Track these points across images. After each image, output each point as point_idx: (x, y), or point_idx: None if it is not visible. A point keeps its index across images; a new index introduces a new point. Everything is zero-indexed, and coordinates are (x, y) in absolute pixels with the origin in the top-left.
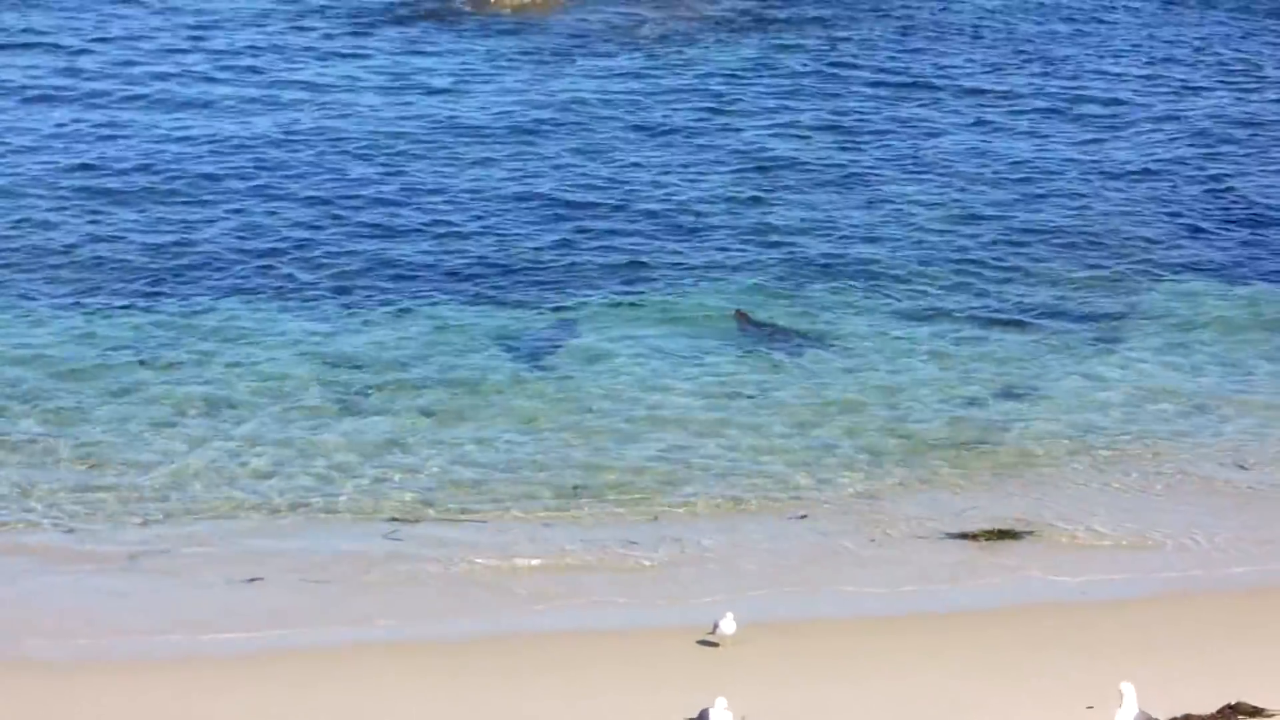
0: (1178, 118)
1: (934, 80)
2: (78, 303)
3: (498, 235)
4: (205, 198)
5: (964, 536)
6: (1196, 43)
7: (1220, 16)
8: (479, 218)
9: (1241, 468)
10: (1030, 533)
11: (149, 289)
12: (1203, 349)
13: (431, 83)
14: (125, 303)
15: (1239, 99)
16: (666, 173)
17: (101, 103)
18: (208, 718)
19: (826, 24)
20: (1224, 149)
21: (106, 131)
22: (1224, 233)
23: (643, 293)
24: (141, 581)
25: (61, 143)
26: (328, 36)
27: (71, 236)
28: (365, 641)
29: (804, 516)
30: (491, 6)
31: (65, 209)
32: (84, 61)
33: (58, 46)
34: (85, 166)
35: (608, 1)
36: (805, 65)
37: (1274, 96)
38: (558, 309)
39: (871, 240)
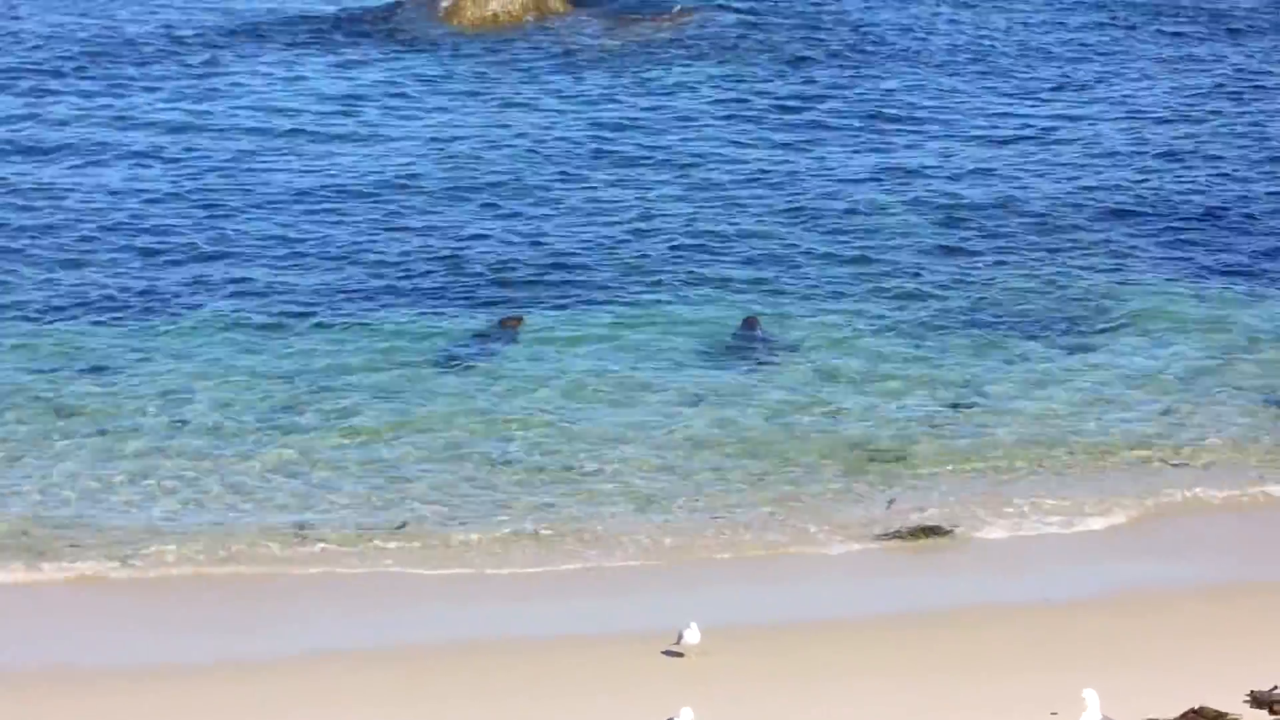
0: (1146, 124)
1: (905, 95)
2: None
3: (451, 250)
4: (145, 215)
5: (896, 535)
6: (1162, 55)
7: (1188, 29)
8: (431, 233)
9: (1184, 465)
10: (958, 530)
11: (88, 308)
12: (1160, 350)
13: (388, 97)
14: (64, 320)
15: (1207, 107)
16: (622, 187)
17: (41, 117)
18: None
19: (786, 44)
20: (1190, 153)
21: (37, 149)
22: (1189, 236)
23: (596, 306)
24: (94, 598)
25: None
26: (274, 50)
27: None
28: (330, 651)
29: (771, 513)
30: (452, 23)
31: None
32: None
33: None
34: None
35: (570, 20)
36: (766, 84)
37: (1243, 103)
38: (497, 324)
39: (842, 250)
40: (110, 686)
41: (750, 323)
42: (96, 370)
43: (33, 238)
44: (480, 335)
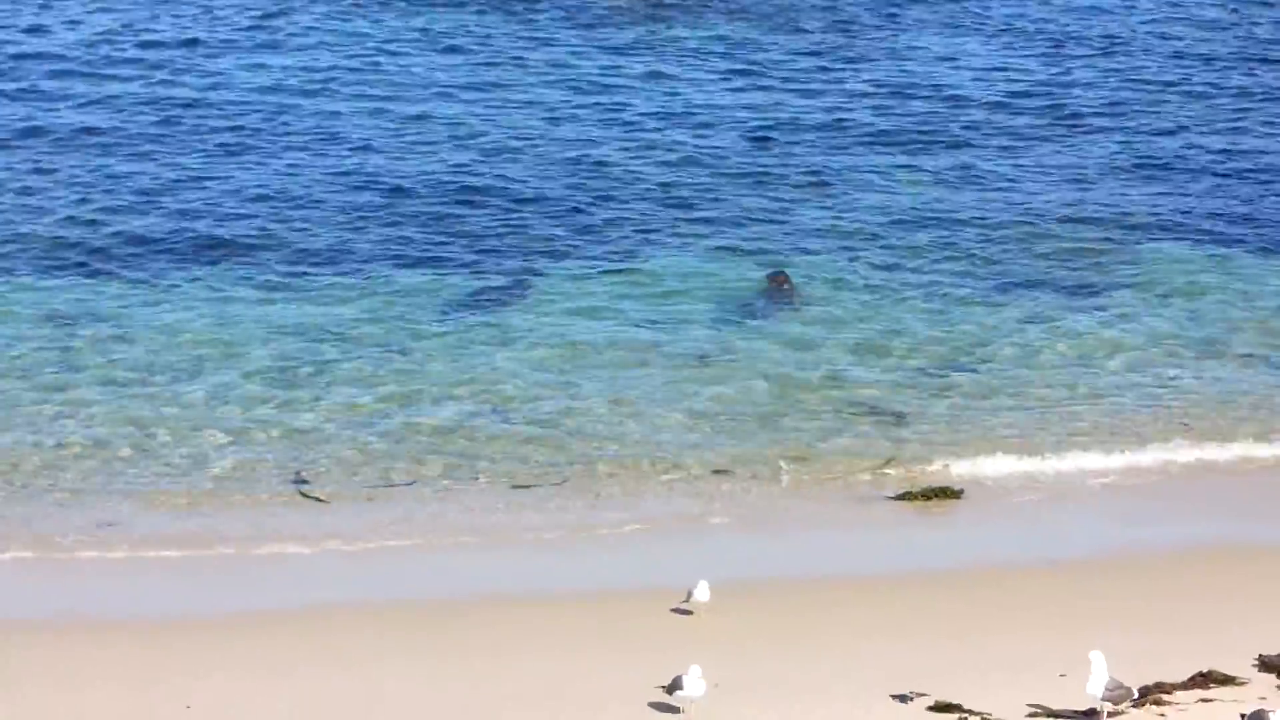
0: (1159, 88)
1: (920, 59)
2: (26, 276)
3: (461, 208)
4: (157, 170)
5: (906, 495)
6: (1173, 18)
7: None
8: (440, 191)
9: (1192, 428)
10: (967, 490)
11: (101, 263)
12: (1170, 313)
13: (390, 51)
14: (77, 275)
15: (1212, 73)
16: (636, 146)
17: (50, 73)
18: (177, 682)
19: (804, 5)
20: (1194, 121)
21: (49, 105)
22: (1200, 200)
23: (609, 264)
24: (100, 553)
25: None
26: (279, 5)
27: (13, 211)
28: (341, 606)
29: (782, 476)
30: None
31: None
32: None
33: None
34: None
35: None
36: (783, 46)
37: (1245, 70)
38: (517, 280)
39: (857, 210)
40: (126, 638)
41: (777, 279)
42: (103, 325)
43: (43, 194)
44: (491, 293)
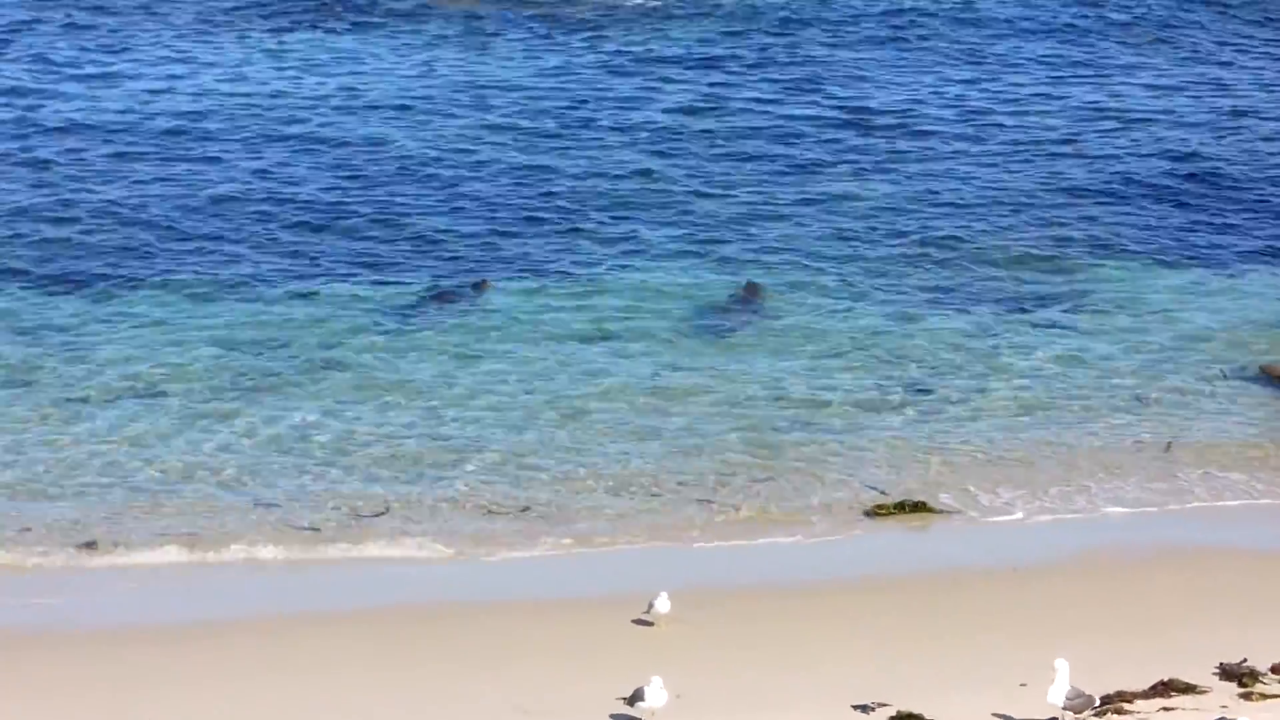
0: (1109, 104)
1: (886, 70)
2: None
3: (410, 216)
4: (104, 181)
5: (878, 512)
6: (1130, 34)
7: (1173, 11)
8: (401, 199)
9: (1153, 435)
10: (945, 509)
11: (44, 275)
12: (1129, 326)
13: (338, 60)
14: (20, 286)
15: (1171, 85)
16: (599, 154)
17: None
18: (133, 694)
19: (768, 10)
20: (1147, 140)
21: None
22: (1165, 216)
23: (566, 275)
24: (55, 567)
25: None
26: (239, 19)
27: None
28: (301, 616)
29: (734, 504)
30: None
31: None
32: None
33: None
34: None
35: None
36: (747, 52)
37: (1221, 85)
38: (475, 290)
39: (822, 222)
40: (83, 651)
41: (751, 289)
42: (53, 338)
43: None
44: (447, 306)
